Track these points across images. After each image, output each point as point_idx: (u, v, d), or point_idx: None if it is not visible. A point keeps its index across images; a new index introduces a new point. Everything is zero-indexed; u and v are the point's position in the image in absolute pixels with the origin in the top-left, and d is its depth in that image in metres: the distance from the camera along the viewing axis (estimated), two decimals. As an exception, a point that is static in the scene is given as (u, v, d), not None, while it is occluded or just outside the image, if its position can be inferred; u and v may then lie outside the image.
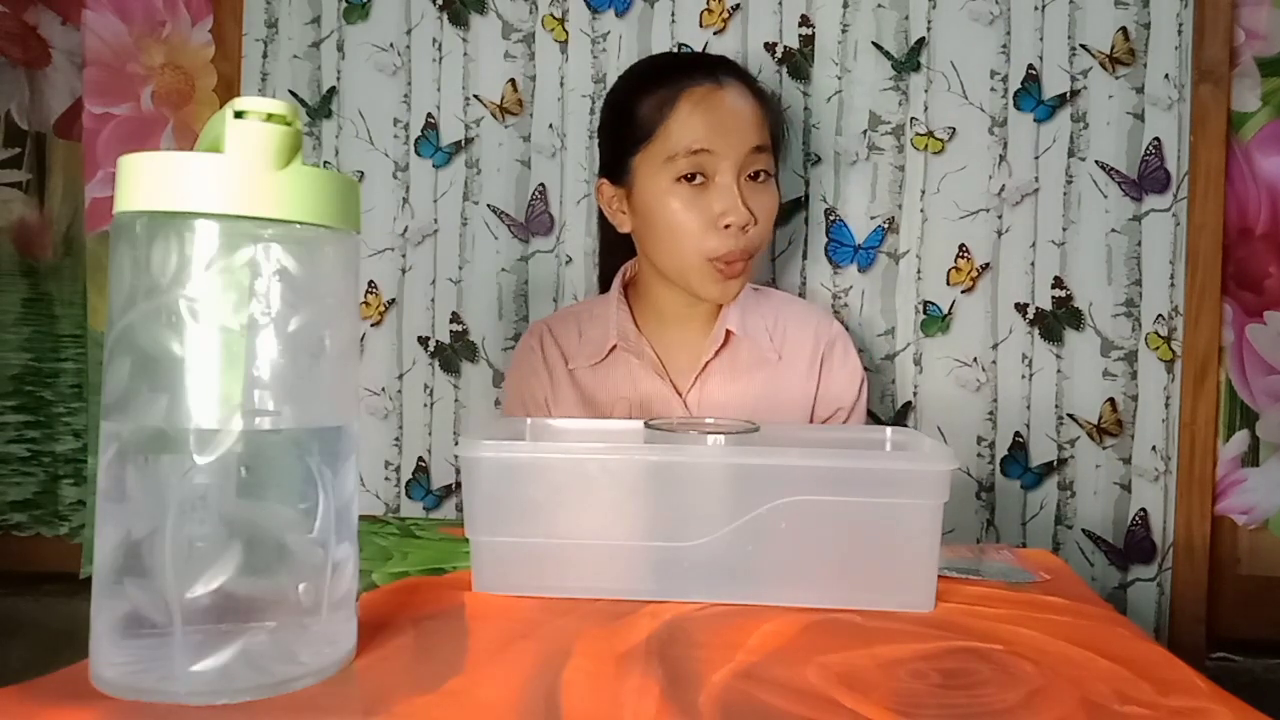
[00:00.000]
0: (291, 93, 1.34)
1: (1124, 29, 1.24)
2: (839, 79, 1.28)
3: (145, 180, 0.41)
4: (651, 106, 1.01)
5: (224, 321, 0.41)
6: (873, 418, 1.26)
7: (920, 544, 0.57)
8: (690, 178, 0.99)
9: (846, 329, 1.15)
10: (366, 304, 1.34)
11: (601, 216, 1.12)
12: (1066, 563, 0.73)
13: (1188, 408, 1.25)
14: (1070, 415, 1.26)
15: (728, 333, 1.06)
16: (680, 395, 1.06)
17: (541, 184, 1.32)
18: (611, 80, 1.29)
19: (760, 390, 1.06)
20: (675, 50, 1.28)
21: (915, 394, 1.27)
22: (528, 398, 1.10)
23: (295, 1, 1.34)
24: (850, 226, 1.28)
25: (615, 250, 1.15)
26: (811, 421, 1.08)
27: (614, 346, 1.06)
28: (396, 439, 1.34)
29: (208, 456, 0.40)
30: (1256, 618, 1.28)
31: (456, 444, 0.58)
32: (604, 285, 1.19)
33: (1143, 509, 1.24)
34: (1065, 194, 1.25)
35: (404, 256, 1.34)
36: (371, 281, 1.33)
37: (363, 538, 0.60)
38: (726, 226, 0.98)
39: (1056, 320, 1.26)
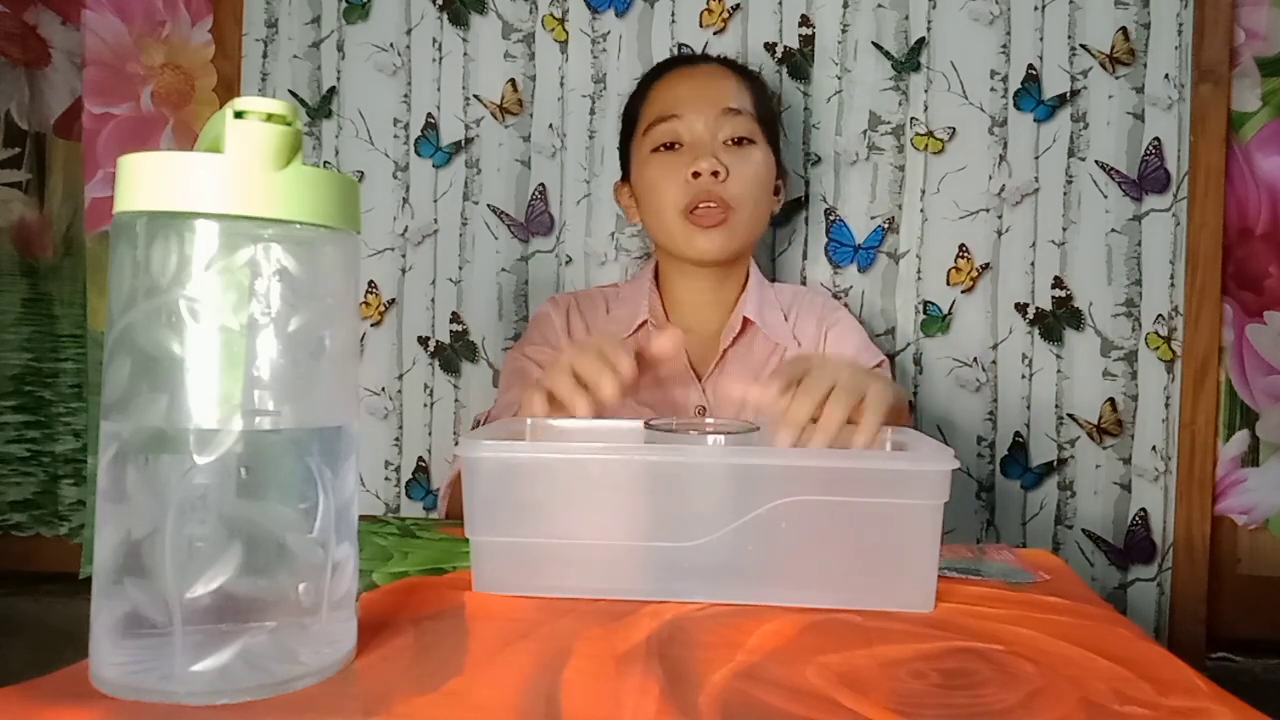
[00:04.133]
0: (291, 93, 1.34)
1: (1124, 29, 1.24)
2: (839, 79, 1.28)
3: (145, 180, 0.41)
4: (635, 97, 1.12)
5: (224, 321, 0.41)
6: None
7: (920, 544, 0.57)
8: (668, 146, 1.06)
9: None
10: (366, 304, 1.34)
11: None
12: (1066, 563, 0.73)
13: (1188, 408, 1.25)
14: (1070, 415, 1.25)
15: (745, 320, 1.09)
16: (699, 381, 1.08)
17: (541, 184, 1.32)
18: (611, 80, 1.30)
19: None
20: (678, 53, 1.29)
21: (915, 394, 1.27)
22: (533, 367, 1.08)
23: (295, 1, 1.34)
24: (850, 226, 1.28)
25: None
26: None
27: (643, 323, 1.10)
28: (396, 439, 1.34)
29: (208, 456, 0.40)
30: (1256, 618, 1.28)
31: (456, 444, 0.58)
32: None
33: (1143, 509, 1.24)
34: (1065, 194, 1.25)
35: (404, 256, 1.34)
36: (371, 281, 1.33)
37: (363, 538, 0.60)
38: (696, 175, 1.03)
39: (1056, 320, 1.26)
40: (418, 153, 1.33)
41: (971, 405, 1.27)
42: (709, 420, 1.00)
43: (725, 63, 1.13)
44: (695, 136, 1.05)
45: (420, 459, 1.34)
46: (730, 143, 1.05)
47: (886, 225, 1.28)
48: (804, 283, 1.29)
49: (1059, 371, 1.26)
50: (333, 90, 1.34)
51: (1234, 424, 1.29)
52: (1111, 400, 1.25)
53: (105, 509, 0.42)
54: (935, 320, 1.27)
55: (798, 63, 1.29)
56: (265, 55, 1.35)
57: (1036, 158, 1.25)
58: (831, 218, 1.28)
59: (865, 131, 1.27)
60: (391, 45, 1.33)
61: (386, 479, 1.34)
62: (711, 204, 1.03)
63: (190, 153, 0.41)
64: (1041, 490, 1.26)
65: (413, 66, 1.33)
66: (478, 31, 1.33)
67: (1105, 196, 1.25)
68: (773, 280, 1.28)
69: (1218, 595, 1.27)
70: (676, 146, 1.05)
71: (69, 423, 1.47)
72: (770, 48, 1.29)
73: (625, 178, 1.16)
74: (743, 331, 1.09)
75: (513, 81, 1.32)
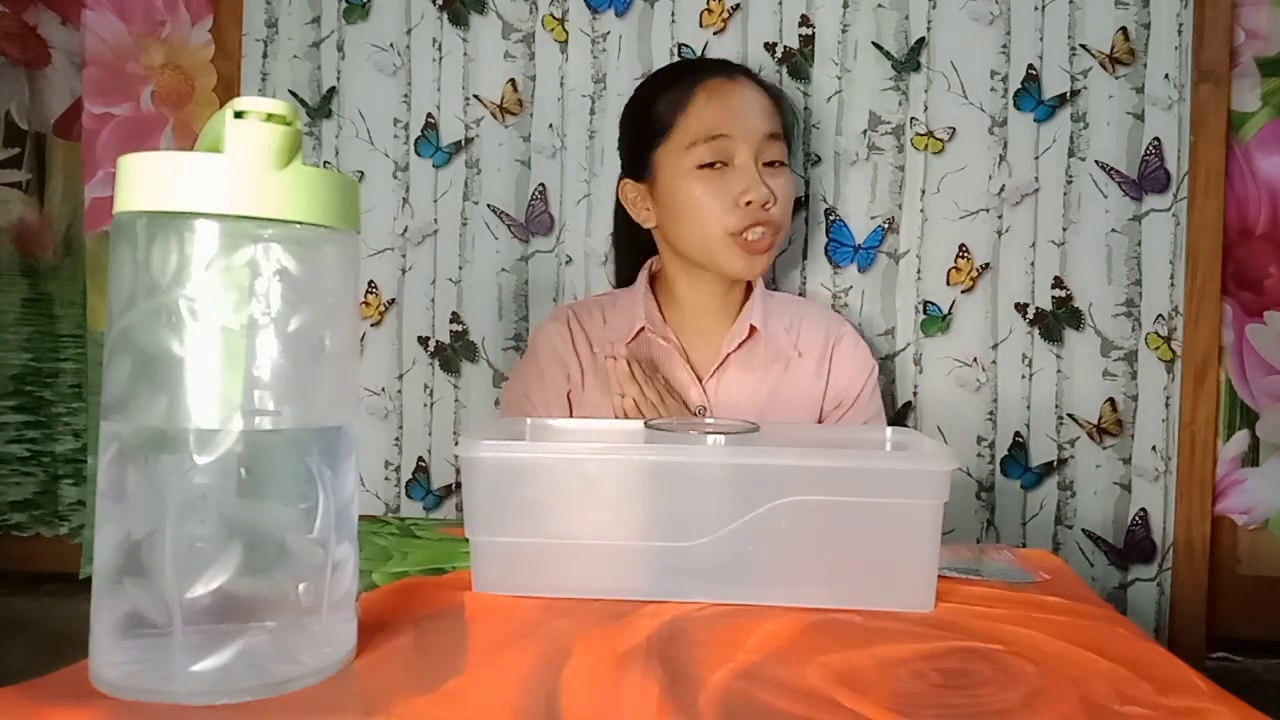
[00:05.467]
0: (291, 93, 1.34)
1: (1124, 29, 1.24)
2: (839, 79, 1.28)
3: (145, 180, 0.41)
4: (669, 102, 1.07)
5: (224, 321, 0.41)
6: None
7: (920, 544, 0.57)
8: (711, 164, 1.04)
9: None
10: (366, 304, 1.33)
11: (619, 217, 1.18)
12: (1066, 563, 0.73)
13: (1188, 408, 1.25)
14: (1070, 415, 1.25)
15: (751, 328, 1.10)
16: (700, 383, 1.09)
17: (541, 184, 1.32)
18: (612, 80, 1.29)
19: (775, 385, 1.11)
20: (678, 53, 1.29)
21: (915, 394, 1.27)
22: (549, 385, 1.11)
23: (295, 1, 1.34)
24: (850, 226, 1.28)
25: (634, 249, 1.19)
26: (821, 417, 1.12)
27: (641, 329, 1.10)
28: (396, 439, 1.34)
29: (208, 456, 0.40)
30: (1256, 618, 1.28)
31: (456, 444, 0.58)
32: (621, 284, 1.23)
33: (1143, 509, 1.24)
34: (1065, 194, 1.25)
35: (404, 256, 1.33)
36: (371, 281, 1.33)
37: (363, 538, 0.60)
38: (748, 204, 1.03)
39: (1056, 320, 1.26)
40: (418, 153, 1.33)
41: (971, 405, 1.26)
42: (709, 420, 1.01)
43: (755, 79, 1.11)
44: (744, 161, 1.04)
45: (420, 459, 1.33)
46: (768, 165, 1.06)
47: (886, 225, 1.28)
48: (804, 283, 1.30)
49: (1059, 371, 1.26)
50: (333, 90, 1.34)
51: (1234, 424, 1.29)
52: (1111, 400, 1.25)
53: (105, 509, 0.42)
54: (935, 320, 1.27)
55: (798, 63, 1.29)
56: (265, 55, 1.35)
57: (1036, 158, 1.25)
58: (831, 218, 1.28)
59: (865, 131, 1.27)
60: (391, 45, 1.33)
61: (386, 479, 1.34)
62: (764, 228, 1.04)
63: (190, 153, 0.41)
64: (1041, 490, 1.26)
65: (413, 66, 1.33)
66: (478, 31, 1.33)
67: (1105, 196, 1.25)
68: (772, 280, 1.29)
69: (1218, 595, 1.27)
70: (719, 165, 1.04)
71: (69, 423, 1.47)
72: (770, 48, 1.29)
73: (635, 176, 1.12)
74: (748, 337, 1.10)
75: (513, 81, 1.32)
